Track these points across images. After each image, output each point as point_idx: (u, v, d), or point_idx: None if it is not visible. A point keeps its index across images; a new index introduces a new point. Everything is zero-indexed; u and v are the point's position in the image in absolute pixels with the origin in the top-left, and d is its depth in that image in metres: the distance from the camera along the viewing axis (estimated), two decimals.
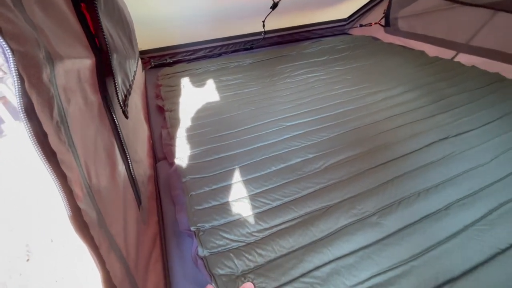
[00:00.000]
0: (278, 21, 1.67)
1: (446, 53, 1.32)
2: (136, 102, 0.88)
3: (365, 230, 0.56)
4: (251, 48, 1.73)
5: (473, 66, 1.17)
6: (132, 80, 0.78)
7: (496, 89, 1.00)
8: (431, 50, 1.38)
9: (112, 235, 0.41)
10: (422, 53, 1.37)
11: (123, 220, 0.47)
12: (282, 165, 0.75)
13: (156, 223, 0.67)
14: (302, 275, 0.50)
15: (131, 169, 0.56)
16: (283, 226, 0.59)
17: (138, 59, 1.09)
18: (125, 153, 0.54)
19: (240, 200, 0.66)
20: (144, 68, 1.44)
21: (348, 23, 1.88)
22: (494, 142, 0.76)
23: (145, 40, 1.32)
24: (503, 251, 0.51)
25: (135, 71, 0.90)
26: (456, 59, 1.27)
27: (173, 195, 0.71)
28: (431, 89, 1.05)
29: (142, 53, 1.43)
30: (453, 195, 0.62)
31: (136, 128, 0.76)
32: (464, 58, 1.24)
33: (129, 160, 0.55)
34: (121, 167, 0.52)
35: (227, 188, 0.69)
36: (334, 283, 0.49)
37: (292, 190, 0.67)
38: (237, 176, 0.72)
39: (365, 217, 0.59)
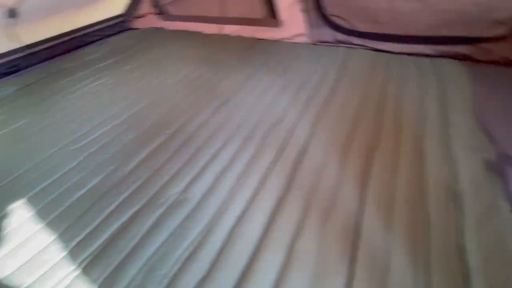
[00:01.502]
0: (40, 31, 1.37)
1: (216, 28, 1.50)
2: None
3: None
4: (16, 71, 1.36)
5: (237, 36, 1.40)
6: None
7: (252, 48, 1.25)
8: (207, 28, 1.54)
9: None
10: (199, 33, 1.52)
11: None
12: (82, 191, 0.66)
13: None
14: None
15: None
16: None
17: None
18: None
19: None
20: None
21: (127, 17, 1.80)
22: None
23: None
24: None
25: None
26: (224, 32, 1.47)
27: None
28: (211, 61, 1.19)
29: None
30: None
31: None
32: (229, 29, 1.46)
33: None
34: None
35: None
36: None
37: (94, 215, 0.60)
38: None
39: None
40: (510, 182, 0.57)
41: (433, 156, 0.62)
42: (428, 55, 1.03)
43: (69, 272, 0.50)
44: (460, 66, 0.94)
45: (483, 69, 0.93)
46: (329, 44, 1.23)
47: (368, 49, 1.13)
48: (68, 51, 1.52)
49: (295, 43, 1.27)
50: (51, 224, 0.59)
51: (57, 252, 0.54)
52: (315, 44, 1.25)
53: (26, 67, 1.38)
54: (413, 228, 0.49)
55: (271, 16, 1.29)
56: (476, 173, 0.57)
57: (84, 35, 1.59)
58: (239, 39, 1.36)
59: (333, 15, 1.18)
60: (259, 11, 1.32)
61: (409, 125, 0.72)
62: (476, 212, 0.50)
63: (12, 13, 1.14)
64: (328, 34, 1.22)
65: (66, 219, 0.60)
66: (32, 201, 0.65)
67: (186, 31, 1.60)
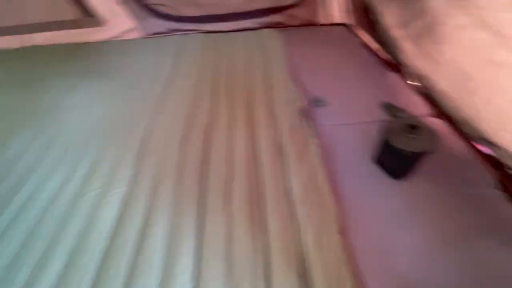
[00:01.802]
0: None
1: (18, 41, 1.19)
2: None
3: None
4: None
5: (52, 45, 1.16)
6: None
7: (73, 55, 1.07)
8: (4, 43, 1.20)
9: None
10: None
11: None
12: None
13: None
14: None
15: None
16: None
17: None
18: None
19: None
20: None
21: None
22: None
23: None
24: None
25: None
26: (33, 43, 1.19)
27: None
28: (22, 82, 0.94)
29: None
30: None
31: None
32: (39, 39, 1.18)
33: None
34: None
35: None
36: None
37: None
38: None
39: None
40: (316, 118, 0.69)
41: (261, 118, 0.68)
42: (252, 29, 1.13)
43: None
44: (277, 33, 1.06)
45: (293, 31, 1.10)
46: (164, 34, 1.17)
47: (200, 32, 1.14)
48: None
49: (127, 40, 1.16)
50: None
51: None
52: (149, 37, 1.17)
53: None
54: (250, 187, 0.53)
55: (86, 14, 1.12)
56: (292, 122, 0.66)
57: None
58: (55, 48, 1.13)
59: (154, 4, 1.12)
60: (70, 12, 1.12)
61: (241, 96, 0.77)
62: (294, 154, 0.58)
63: None
64: (159, 24, 1.16)
65: None
66: None
67: None
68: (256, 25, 1.15)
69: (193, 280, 0.41)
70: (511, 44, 0.31)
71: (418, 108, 0.69)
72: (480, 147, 0.48)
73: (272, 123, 0.66)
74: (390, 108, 0.58)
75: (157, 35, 1.17)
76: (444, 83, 0.49)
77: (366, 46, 0.96)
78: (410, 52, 0.55)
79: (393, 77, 0.81)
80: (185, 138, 0.65)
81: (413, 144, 0.48)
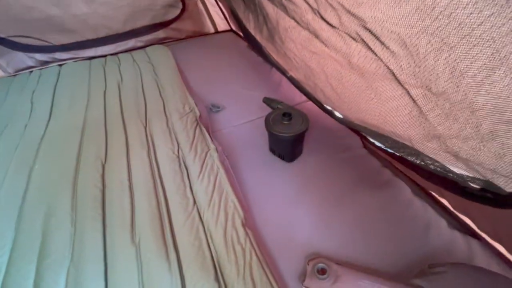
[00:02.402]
0: None
1: None
2: None
3: None
4: None
5: None
6: None
7: None
8: None
9: None
10: None
11: None
12: None
13: None
14: None
15: None
16: None
17: None
18: None
19: None
20: None
21: None
22: None
23: None
24: None
25: None
26: None
27: None
28: None
29: None
30: None
31: None
32: None
33: None
34: None
35: None
36: None
37: None
38: None
39: None
40: (214, 124, 0.72)
41: (159, 135, 0.67)
42: (141, 47, 1.10)
43: None
44: (165, 48, 1.06)
45: (182, 44, 1.11)
46: (34, 68, 1.03)
47: (82, 59, 1.04)
48: None
49: None
50: None
51: None
52: (15, 75, 1.01)
53: None
54: (155, 209, 0.52)
55: None
56: (191, 133, 0.67)
57: None
58: None
59: (14, 36, 0.97)
60: None
61: (135, 118, 0.74)
62: (196, 164, 0.59)
63: None
64: (23, 58, 1.02)
65: None
66: None
67: None
68: (142, 44, 1.12)
69: None
70: (321, 38, 0.39)
71: (296, 97, 0.80)
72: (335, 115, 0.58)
73: (170, 139, 0.66)
74: (269, 102, 0.65)
75: (25, 70, 1.02)
76: (298, 74, 0.58)
77: (251, 48, 1.05)
78: (272, 52, 0.63)
79: (276, 72, 0.91)
80: (78, 177, 0.59)
81: (289, 129, 0.56)
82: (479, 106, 0.27)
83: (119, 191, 0.55)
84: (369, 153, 0.63)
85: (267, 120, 0.58)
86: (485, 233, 0.41)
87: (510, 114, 0.25)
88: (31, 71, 0.99)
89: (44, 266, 0.44)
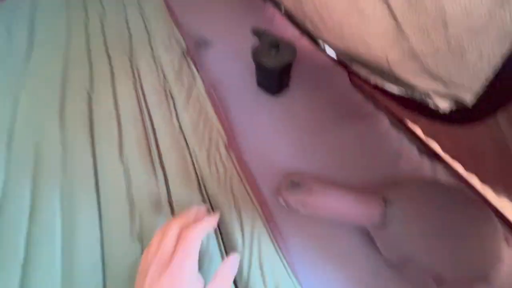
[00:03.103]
0: None
1: None
2: None
3: None
4: None
5: None
6: None
7: None
8: None
9: None
10: None
11: None
12: None
13: None
14: None
15: None
16: None
17: None
18: None
19: None
20: None
21: None
22: None
23: None
24: None
25: None
26: None
27: None
28: None
29: None
30: None
31: None
32: None
33: None
34: None
35: None
36: None
37: None
38: None
39: None
40: (202, 58, 0.71)
41: (145, 67, 0.67)
42: None
43: None
44: None
45: None
46: None
47: None
48: None
49: None
50: None
51: None
52: None
53: None
54: (142, 133, 0.54)
55: None
56: (177, 65, 0.66)
57: None
58: None
59: None
60: None
61: (120, 50, 0.72)
62: (182, 94, 0.60)
63: None
64: None
65: None
66: None
67: None
68: None
69: (99, 229, 0.43)
70: None
71: (288, 34, 0.77)
72: (326, 51, 0.58)
73: (156, 70, 0.65)
74: (257, 32, 0.63)
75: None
76: (287, 2, 0.55)
77: None
78: None
79: (269, 9, 0.86)
80: (65, 105, 0.59)
81: (276, 59, 0.55)
82: (450, 16, 0.27)
83: (106, 118, 0.57)
84: (354, 87, 0.63)
85: (254, 50, 0.57)
86: (449, 154, 0.45)
87: (477, 22, 0.26)
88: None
89: (38, 181, 0.48)
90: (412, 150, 0.52)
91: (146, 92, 0.61)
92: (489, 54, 0.27)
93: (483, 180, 0.40)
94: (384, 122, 0.56)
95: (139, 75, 0.65)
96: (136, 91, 0.62)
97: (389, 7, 0.34)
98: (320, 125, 0.57)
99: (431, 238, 0.35)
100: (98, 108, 0.58)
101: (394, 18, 0.33)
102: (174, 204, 0.44)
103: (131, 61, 0.68)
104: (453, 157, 0.44)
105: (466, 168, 0.42)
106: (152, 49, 0.71)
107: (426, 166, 0.50)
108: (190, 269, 0.30)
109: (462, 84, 0.31)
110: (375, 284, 0.37)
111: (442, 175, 0.47)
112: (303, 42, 0.72)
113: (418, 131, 0.51)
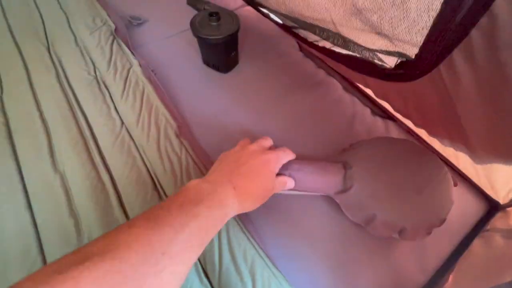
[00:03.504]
0: None
1: None
2: None
3: None
4: None
5: None
6: None
7: None
8: None
9: None
10: None
11: None
12: None
13: None
14: None
15: None
16: None
17: None
18: None
19: None
20: None
21: None
22: None
23: None
24: None
25: None
26: None
27: None
28: None
29: None
30: None
31: None
32: None
33: None
34: None
35: None
36: None
37: None
38: None
39: None
40: (136, 38, 0.62)
41: (68, 56, 0.56)
42: None
43: None
44: None
45: None
46: None
47: None
48: None
49: None
50: None
51: None
52: None
53: None
54: (76, 135, 0.46)
55: None
56: (106, 48, 0.57)
57: None
58: None
59: None
60: None
61: (38, 37, 0.59)
62: (117, 82, 0.52)
63: None
64: None
65: None
66: None
67: None
68: None
69: None
70: None
71: (230, 2, 0.71)
72: (271, 17, 0.54)
73: (83, 58, 0.56)
74: (194, 2, 0.56)
75: None
76: None
77: None
78: None
79: None
80: None
81: (218, 30, 0.50)
82: None
83: (27, 122, 0.47)
84: (305, 56, 0.61)
85: (193, 23, 0.51)
86: (399, 112, 0.46)
87: None
88: None
89: None
90: (365, 112, 0.53)
91: (73, 85, 0.52)
92: (428, 5, 0.26)
93: (430, 132, 0.42)
94: (337, 87, 0.55)
95: (61, 65, 0.55)
96: (60, 84, 0.52)
97: None
98: (274, 97, 0.55)
99: (391, 193, 0.36)
100: (15, 112, 0.48)
101: None
102: (128, 208, 0.39)
103: (48, 49, 0.57)
104: (403, 115, 0.45)
105: (415, 123, 0.44)
106: (73, 32, 0.60)
107: (379, 123, 0.51)
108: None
109: (405, 37, 0.30)
110: (344, 252, 0.38)
111: (394, 132, 0.49)
112: (245, 12, 0.67)
113: (370, 94, 0.51)
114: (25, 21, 0.63)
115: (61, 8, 0.66)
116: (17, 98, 0.50)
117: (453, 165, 0.43)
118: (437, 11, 0.25)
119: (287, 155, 0.37)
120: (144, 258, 0.21)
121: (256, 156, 0.33)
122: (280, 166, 0.35)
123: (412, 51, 0.32)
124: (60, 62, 0.56)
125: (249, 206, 0.32)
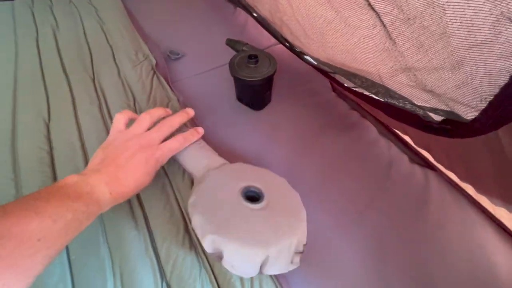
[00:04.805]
0: None
1: None
2: None
3: None
4: None
5: None
6: None
7: None
8: None
9: None
10: None
11: None
12: None
13: None
14: None
15: None
16: None
17: None
18: None
19: None
20: None
21: None
22: None
23: None
24: None
25: None
26: None
27: None
28: None
29: None
30: None
31: None
32: None
33: None
34: None
35: None
36: None
37: None
38: None
39: None
40: (174, 73, 0.65)
41: (110, 89, 0.60)
42: None
43: None
44: None
45: None
46: None
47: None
48: None
49: None
50: None
51: None
52: None
53: None
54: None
55: None
56: (147, 83, 0.60)
57: None
58: None
59: None
60: None
61: (81, 70, 0.64)
62: None
63: None
64: None
65: None
66: None
67: None
68: None
69: None
70: None
71: (263, 40, 0.74)
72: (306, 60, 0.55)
73: (124, 91, 0.59)
74: (233, 43, 0.59)
75: None
76: (263, 10, 0.52)
77: None
78: None
79: (241, 13, 0.82)
80: (17, 140, 0.51)
81: (256, 72, 0.51)
82: (451, 31, 0.25)
83: (70, 151, 0.49)
84: (337, 96, 0.61)
85: (231, 64, 0.53)
86: (441, 163, 0.44)
87: (480, 37, 0.24)
88: None
89: None
90: (402, 157, 0.51)
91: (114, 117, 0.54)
92: (492, 71, 0.25)
93: (478, 189, 0.40)
94: (372, 131, 0.54)
95: (104, 97, 0.58)
96: (102, 115, 0.55)
97: (378, 16, 0.31)
98: (306, 139, 0.54)
99: None
100: (59, 141, 0.51)
101: (386, 31, 0.31)
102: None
103: (94, 82, 0.61)
104: (446, 167, 0.43)
105: (460, 177, 0.42)
106: (117, 66, 0.64)
107: (417, 172, 0.49)
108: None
109: (461, 100, 0.29)
110: None
111: (435, 183, 0.47)
112: (279, 50, 0.69)
113: (408, 140, 0.50)
114: (75, 53, 0.68)
115: (108, 42, 0.71)
116: (63, 127, 0.53)
117: (506, 228, 0.40)
118: (504, 78, 0.24)
119: (178, 147, 0.43)
120: (20, 242, 0.24)
121: (134, 155, 0.37)
122: (168, 157, 0.41)
123: (468, 114, 0.31)
124: (103, 93, 0.59)
125: (126, 197, 0.37)
